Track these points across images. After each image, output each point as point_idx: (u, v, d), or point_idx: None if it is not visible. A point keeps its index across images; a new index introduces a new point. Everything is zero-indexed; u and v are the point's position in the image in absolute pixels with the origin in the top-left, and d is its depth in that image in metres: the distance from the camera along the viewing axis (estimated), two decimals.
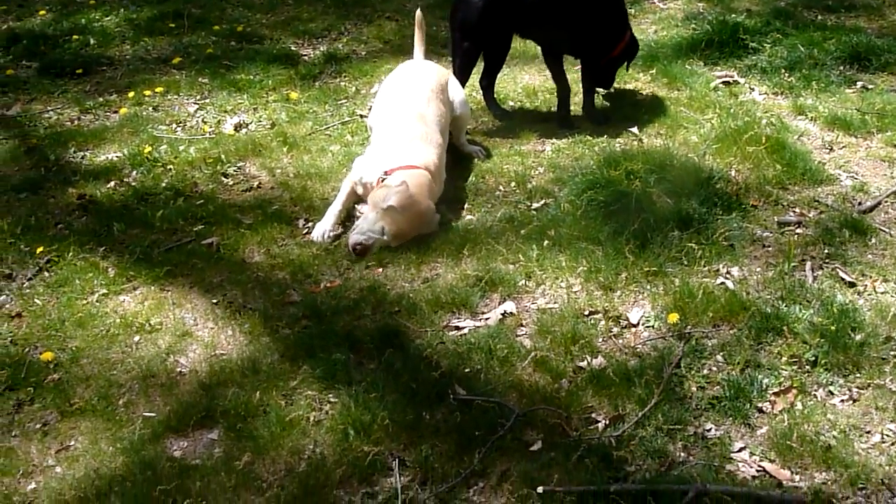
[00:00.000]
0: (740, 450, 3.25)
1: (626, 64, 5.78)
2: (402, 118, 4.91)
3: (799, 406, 3.38)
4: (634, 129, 5.59)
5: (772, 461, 3.18)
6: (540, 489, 3.02)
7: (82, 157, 5.74)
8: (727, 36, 6.51)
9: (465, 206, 4.93)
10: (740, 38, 6.49)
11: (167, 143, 5.79)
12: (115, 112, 6.37)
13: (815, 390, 3.47)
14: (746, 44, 6.50)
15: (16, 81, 6.80)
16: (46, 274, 4.48)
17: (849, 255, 4.23)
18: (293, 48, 7.47)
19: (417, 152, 4.67)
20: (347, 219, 4.78)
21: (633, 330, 3.90)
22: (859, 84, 6.05)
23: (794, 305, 3.87)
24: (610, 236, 4.43)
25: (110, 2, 8.29)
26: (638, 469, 3.18)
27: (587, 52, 5.62)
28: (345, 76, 6.86)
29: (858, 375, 3.52)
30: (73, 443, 3.50)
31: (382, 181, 4.62)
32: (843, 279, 4.06)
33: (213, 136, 5.91)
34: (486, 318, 4.03)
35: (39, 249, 4.64)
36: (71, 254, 4.63)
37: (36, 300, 4.30)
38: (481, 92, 5.80)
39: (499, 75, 5.91)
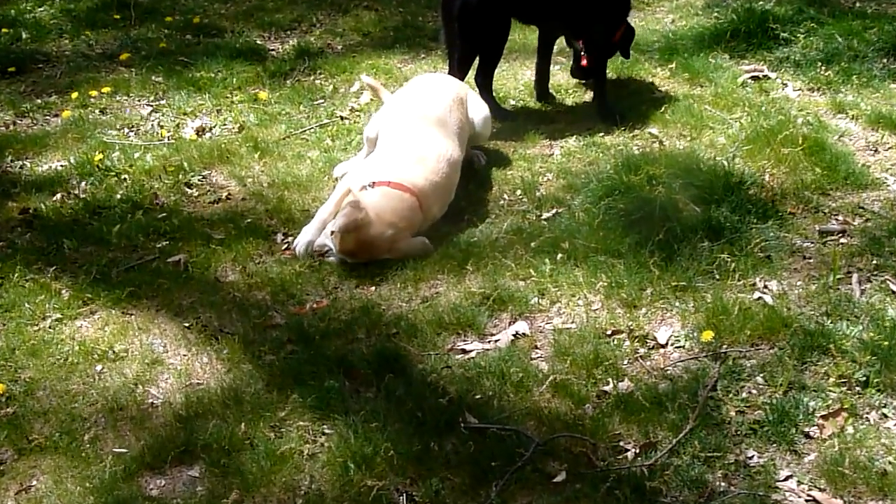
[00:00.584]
0: (787, 478, 3.46)
1: (623, 50, 6.07)
2: (411, 132, 5.15)
3: (850, 430, 3.60)
4: (654, 130, 5.84)
5: (822, 490, 3.39)
6: None
7: (21, 167, 5.92)
8: (755, 26, 6.80)
9: (467, 217, 5.15)
10: (770, 27, 6.78)
11: (120, 150, 5.99)
12: (57, 115, 6.56)
13: (867, 413, 3.69)
14: (777, 34, 6.79)
15: None
16: None
17: None
18: (259, 42, 7.71)
19: (414, 173, 4.90)
20: None
21: (662, 351, 4.11)
22: None
23: (840, 321, 4.10)
24: (632, 248, 4.66)
25: None
26: (674, 500, 3.38)
27: (592, 35, 5.90)
28: (320, 73, 7.09)
29: None
30: (34, 482, 3.66)
31: (362, 190, 4.86)
32: (893, 292, 4.30)
33: (173, 141, 6.11)
34: (496, 340, 4.24)
35: None
36: (17, 275, 4.80)
37: None
38: (477, 91, 6.02)
39: (496, 71, 6.14)
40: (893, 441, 3.55)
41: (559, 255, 4.69)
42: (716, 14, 7.27)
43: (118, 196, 5.51)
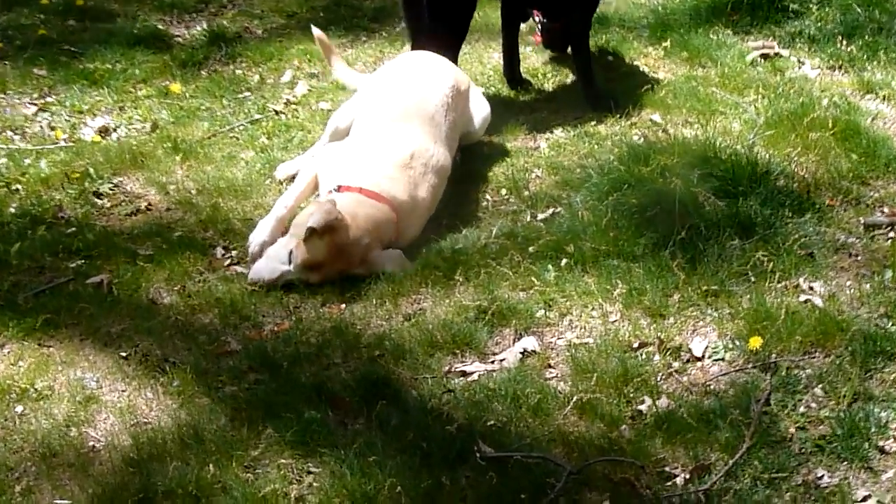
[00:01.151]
0: (864, 499, 3.67)
1: None
2: (395, 129, 5.31)
3: None
4: (656, 117, 6.10)
5: None
6: None
7: None
8: None
9: (445, 221, 5.32)
10: None
11: (5, 155, 6.03)
12: None
13: None
14: (786, 6, 7.14)
15: None
16: None
17: None
18: (160, 27, 7.87)
19: (395, 183, 5.07)
20: None
21: (699, 364, 4.32)
22: None
23: None
24: (649, 249, 4.87)
25: None
26: None
27: (574, 13, 6.17)
28: (241, 62, 7.26)
29: None
30: None
31: (326, 194, 5.00)
32: None
33: (71, 144, 6.21)
34: (502, 360, 4.41)
35: None
36: None
37: None
38: None
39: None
40: None
41: (563, 261, 4.88)
42: None
43: (11, 210, 5.57)
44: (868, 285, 4.62)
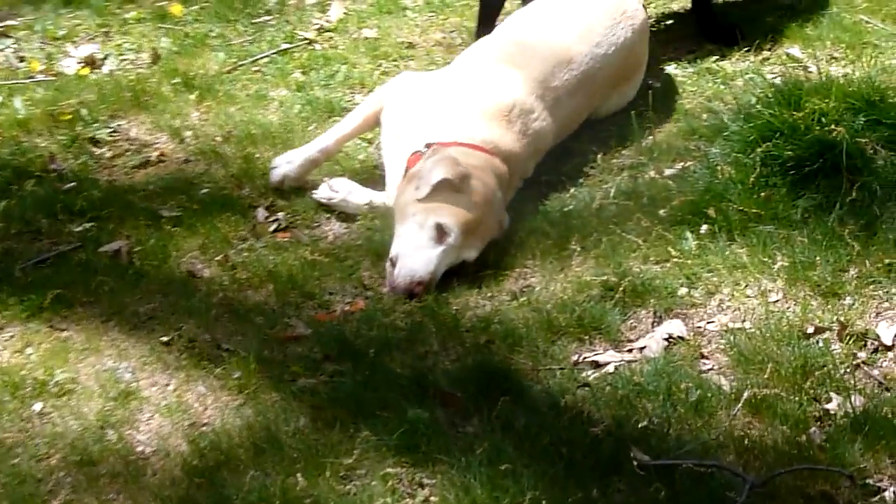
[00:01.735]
0: None
1: None
2: (532, 66, 5.40)
3: None
4: (794, 51, 6.21)
5: None
6: None
7: None
8: None
9: (545, 177, 5.40)
10: None
11: None
12: None
13: None
14: None
15: None
16: None
17: None
18: None
19: (493, 131, 5.15)
20: None
21: (890, 354, 4.41)
22: None
23: None
24: (811, 213, 4.97)
25: None
26: None
27: None
28: None
29: None
30: None
31: (417, 158, 5.05)
32: None
33: (51, 79, 6.26)
34: (641, 348, 4.50)
35: None
36: None
37: None
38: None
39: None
40: None
41: (704, 227, 4.98)
42: None
43: None
44: None
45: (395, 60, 6.46)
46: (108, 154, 5.69)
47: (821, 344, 4.43)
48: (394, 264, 4.81)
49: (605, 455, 4.00)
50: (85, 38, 6.64)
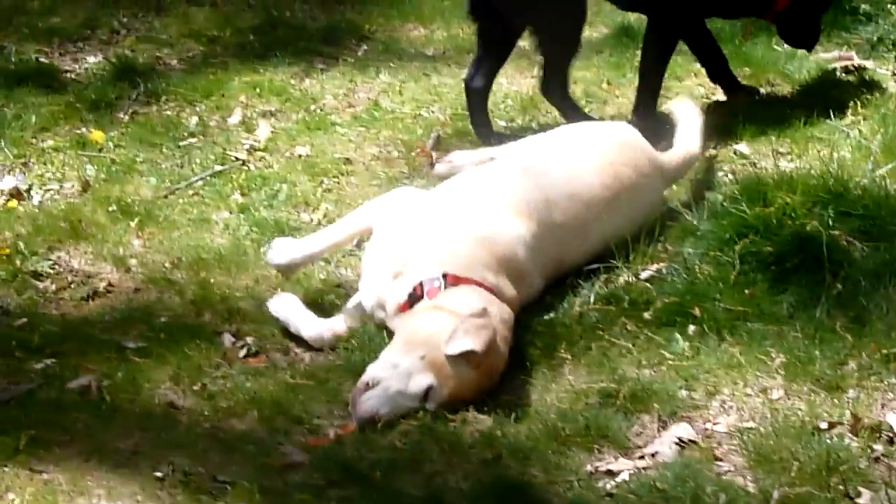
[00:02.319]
0: None
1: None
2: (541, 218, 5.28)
3: None
4: (741, 147, 6.27)
5: None
6: None
7: None
8: None
9: None
10: None
11: None
12: None
13: None
14: (856, 7, 7.39)
15: None
16: None
17: None
18: (42, 59, 7.83)
19: (513, 281, 5.08)
20: None
21: None
22: None
23: None
24: (797, 308, 4.98)
25: None
26: None
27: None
28: (167, 101, 7.33)
29: None
30: None
31: (436, 291, 4.91)
32: None
33: None
34: (652, 454, 4.45)
35: None
36: None
37: None
38: (465, 95, 6.47)
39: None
40: None
41: (692, 327, 4.96)
42: None
43: None
44: None
45: (335, 177, 6.39)
46: (53, 287, 5.55)
47: (835, 439, 4.41)
48: (369, 386, 4.64)
49: None
50: (3, 169, 6.45)
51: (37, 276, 5.63)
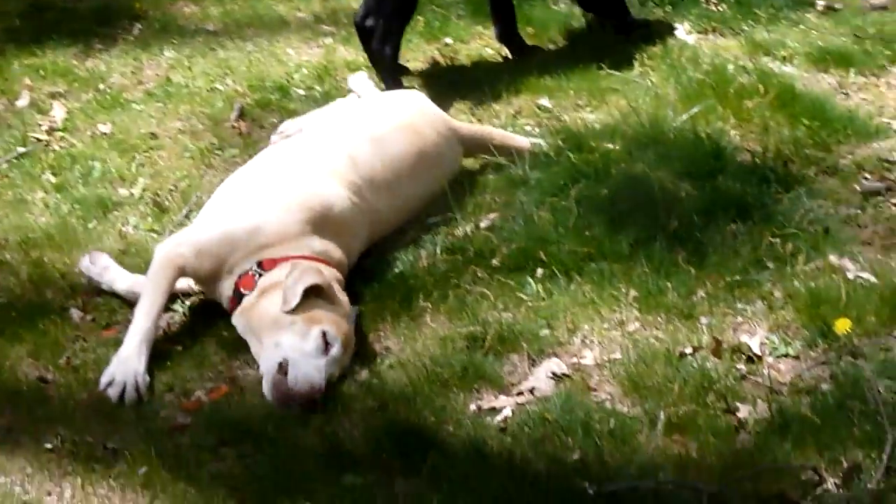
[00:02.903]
0: None
1: None
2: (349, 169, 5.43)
3: None
4: (544, 102, 6.53)
5: None
6: None
7: None
8: None
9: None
10: None
11: None
12: None
13: None
14: None
15: None
16: None
17: None
18: None
19: (336, 240, 5.19)
20: None
21: (767, 361, 4.71)
22: (820, 4, 7.47)
23: None
24: (639, 246, 5.25)
25: None
26: None
27: None
28: None
29: None
30: None
31: (251, 279, 4.97)
32: None
33: None
34: (531, 389, 4.64)
35: None
36: None
37: None
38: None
39: None
40: None
41: (539, 271, 5.18)
42: None
43: None
44: None
45: (145, 152, 6.38)
46: None
47: (701, 361, 4.66)
48: (284, 372, 4.64)
49: (555, 491, 4.09)
50: None
51: None
